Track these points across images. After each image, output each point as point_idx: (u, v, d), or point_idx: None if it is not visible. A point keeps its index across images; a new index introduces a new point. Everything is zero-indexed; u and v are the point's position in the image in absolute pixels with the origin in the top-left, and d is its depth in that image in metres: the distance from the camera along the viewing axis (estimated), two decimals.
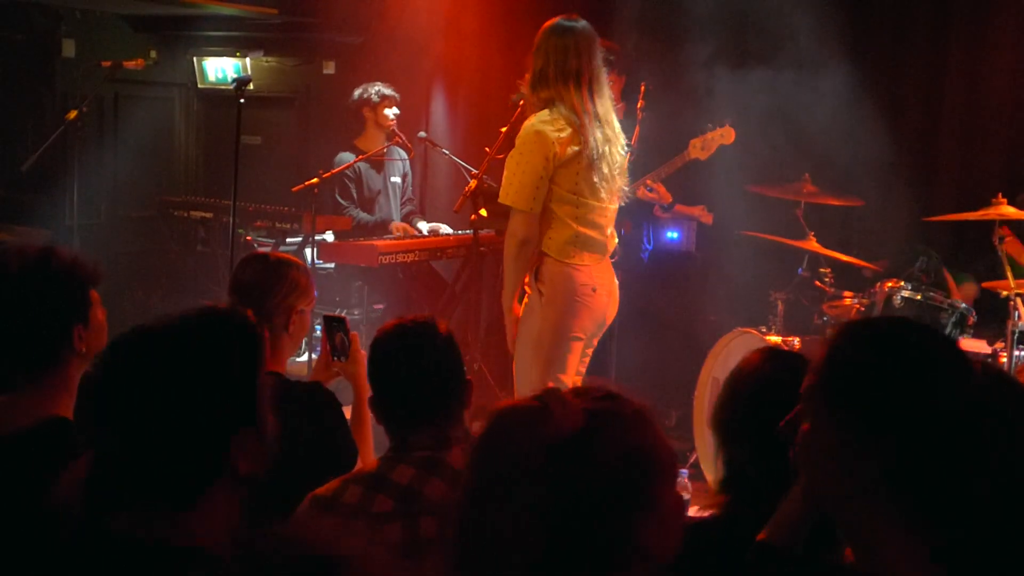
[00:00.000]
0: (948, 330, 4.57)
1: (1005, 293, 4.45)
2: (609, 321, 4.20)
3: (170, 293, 6.61)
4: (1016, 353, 4.38)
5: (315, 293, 3.05)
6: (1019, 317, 4.40)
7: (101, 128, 7.21)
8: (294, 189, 5.81)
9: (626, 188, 4.21)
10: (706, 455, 4.78)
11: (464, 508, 1.48)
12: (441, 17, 6.77)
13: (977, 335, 4.68)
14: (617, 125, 4.11)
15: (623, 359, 4.72)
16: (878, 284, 4.79)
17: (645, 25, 6.09)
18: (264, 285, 2.89)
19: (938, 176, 5.75)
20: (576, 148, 3.93)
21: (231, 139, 4.92)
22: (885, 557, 1.56)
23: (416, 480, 2.29)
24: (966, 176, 5.63)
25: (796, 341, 4.86)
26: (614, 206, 4.14)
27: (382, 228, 6.21)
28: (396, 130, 6.19)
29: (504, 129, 4.49)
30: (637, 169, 5.02)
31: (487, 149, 4.90)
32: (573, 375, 4.09)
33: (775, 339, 4.84)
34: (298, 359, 5.97)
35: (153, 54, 7.32)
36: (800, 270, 5.21)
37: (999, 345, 4.50)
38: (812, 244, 5.08)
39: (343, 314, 3.66)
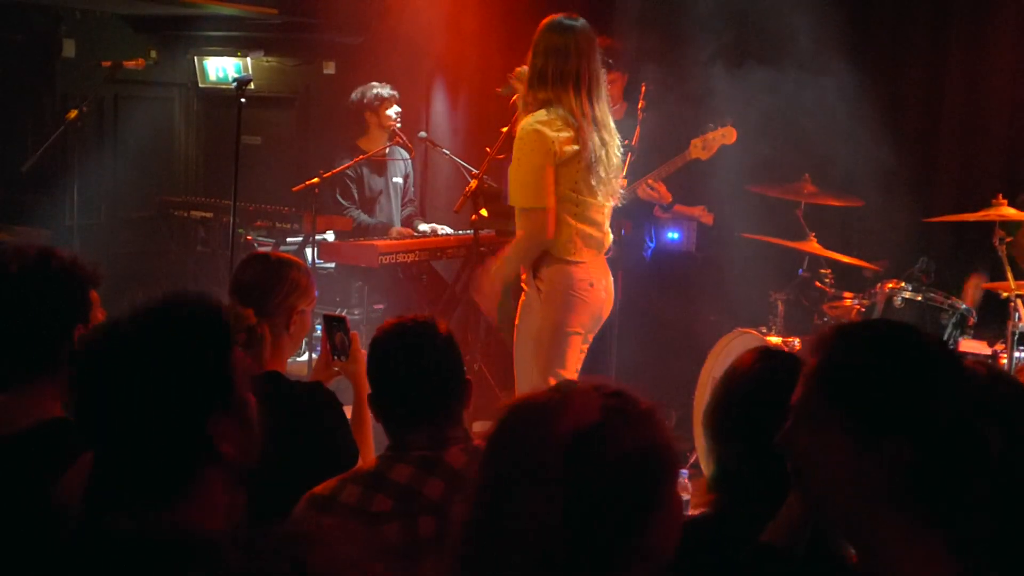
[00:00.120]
0: (948, 331, 4.57)
1: (1005, 294, 4.45)
2: (605, 317, 4.22)
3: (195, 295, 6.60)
4: (1016, 354, 4.38)
5: (315, 293, 3.05)
6: (1019, 318, 4.40)
7: (101, 128, 7.21)
8: (294, 189, 5.81)
9: (622, 190, 4.22)
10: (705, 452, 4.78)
11: (479, 501, 1.48)
12: (441, 17, 6.76)
13: (977, 336, 4.69)
14: (613, 127, 4.12)
15: (623, 359, 4.72)
16: (878, 285, 4.79)
17: (646, 24, 6.10)
18: (265, 285, 2.89)
19: (938, 176, 5.75)
20: (575, 148, 3.94)
21: (231, 139, 4.92)
22: (894, 559, 1.56)
23: (415, 479, 2.29)
24: (966, 176, 5.62)
25: (796, 342, 4.86)
26: (610, 204, 4.16)
27: (382, 231, 6.21)
28: (398, 130, 6.19)
29: (504, 129, 4.49)
30: (638, 169, 5.03)
31: (487, 149, 4.89)
32: (573, 371, 4.11)
33: (775, 339, 4.84)
34: (298, 359, 5.97)
35: (153, 54, 7.32)
36: (800, 271, 5.21)
37: (999, 346, 4.50)
38: (812, 245, 5.08)
39: (343, 314, 3.66)
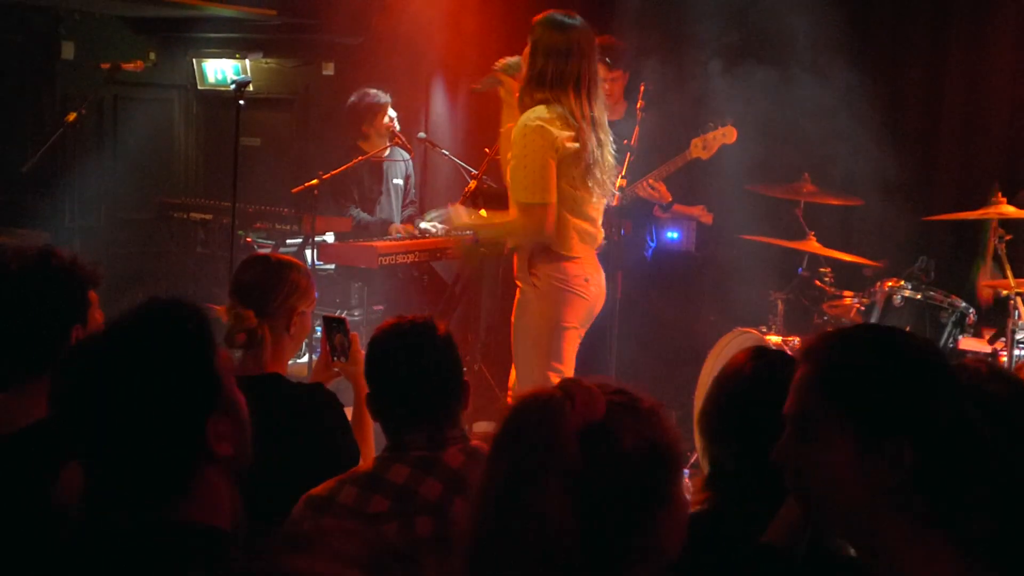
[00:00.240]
0: (948, 329, 4.58)
1: (1005, 292, 4.45)
2: (597, 312, 4.25)
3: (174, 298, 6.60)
4: (1016, 352, 4.38)
5: (316, 294, 3.05)
6: (1019, 316, 4.40)
7: (101, 130, 7.21)
8: (294, 190, 5.80)
9: (622, 189, 4.24)
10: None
11: (487, 499, 1.48)
12: (441, 18, 6.76)
13: (977, 334, 4.69)
14: (607, 126, 4.15)
15: (623, 359, 4.72)
16: (878, 283, 4.79)
17: (645, 23, 6.09)
18: (265, 287, 2.89)
19: (938, 176, 5.75)
20: (575, 146, 3.96)
21: (231, 140, 4.92)
22: (896, 559, 1.55)
23: (412, 480, 2.29)
24: (966, 176, 5.63)
25: (796, 341, 4.86)
26: (604, 201, 4.22)
27: (382, 229, 6.21)
28: (396, 131, 6.19)
29: (503, 130, 4.49)
30: (637, 168, 5.03)
31: (487, 150, 4.90)
32: (571, 365, 4.15)
33: (775, 339, 4.84)
34: (298, 360, 5.96)
35: (152, 56, 7.32)
36: (800, 270, 5.21)
37: (999, 344, 4.50)
38: (812, 244, 5.08)
39: (342, 315, 3.66)
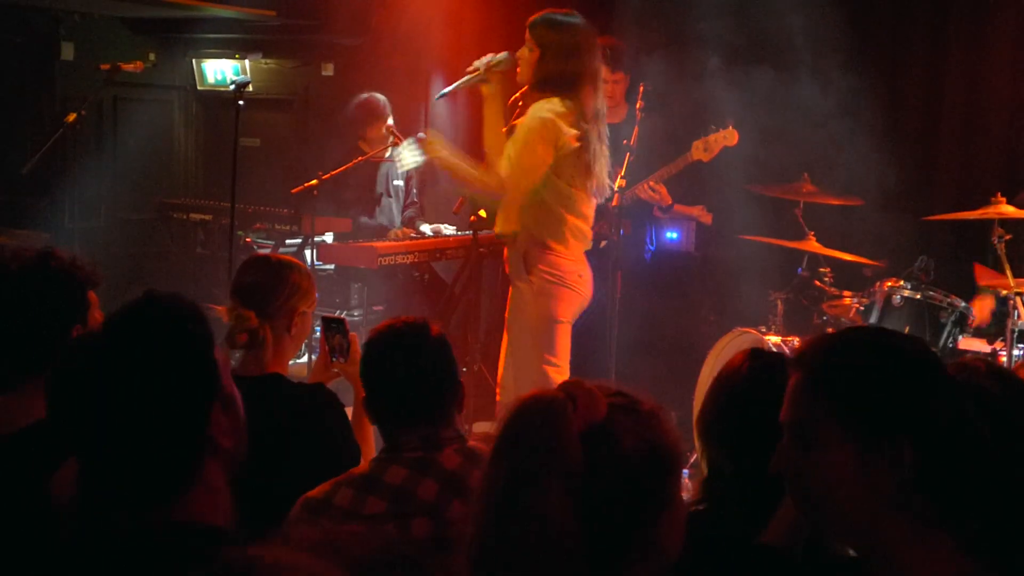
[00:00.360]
0: (948, 329, 4.58)
1: (1004, 292, 4.46)
2: (586, 307, 4.31)
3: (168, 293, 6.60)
4: (1015, 352, 4.39)
5: (316, 295, 3.06)
6: (1018, 316, 4.41)
7: (100, 131, 7.21)
8: (293, 191, 5.80)
9: (621, 189, 4.27)
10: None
11: (490, 500, 1.48)
12: (440, 18, 6.76)
13: (977, 334, 4.69)
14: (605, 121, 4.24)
15: (623, 359, 4.72)
16: (877, 283, 4.79)
17: (645, 24, 6.09)
18: (266, 288, 2.89)
19: (937, 176, 5.75)
20: (578, 144, 4.02)
21: (230, 141, 4.92)
22: (898, 559, 1.55)
23: (408, 481, 2.29)
24: (965, 176, 5.63)
25: (796, 341, 4.86)
26: (597, 199, 4.28)
27: (382, 232, 6.21)
28: (395, 132, 6.18)
29: (503, 130, 4.50)
30: (637, 169, 5.03)
31: (487, 150, 4.89)
32: (566, 359, 4.21)
33: (775, 339, 4.84)
34: (298, 360, 5.97)
35: (152, 56, 7.32)
36: (800, 270, 5.21)
37: (999, 344, 4.50)
38: (811, 244, 5.08)
39: (341, 315, 3.66)
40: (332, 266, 6.06)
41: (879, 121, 5.58)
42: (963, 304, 4.63)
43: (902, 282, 4.69)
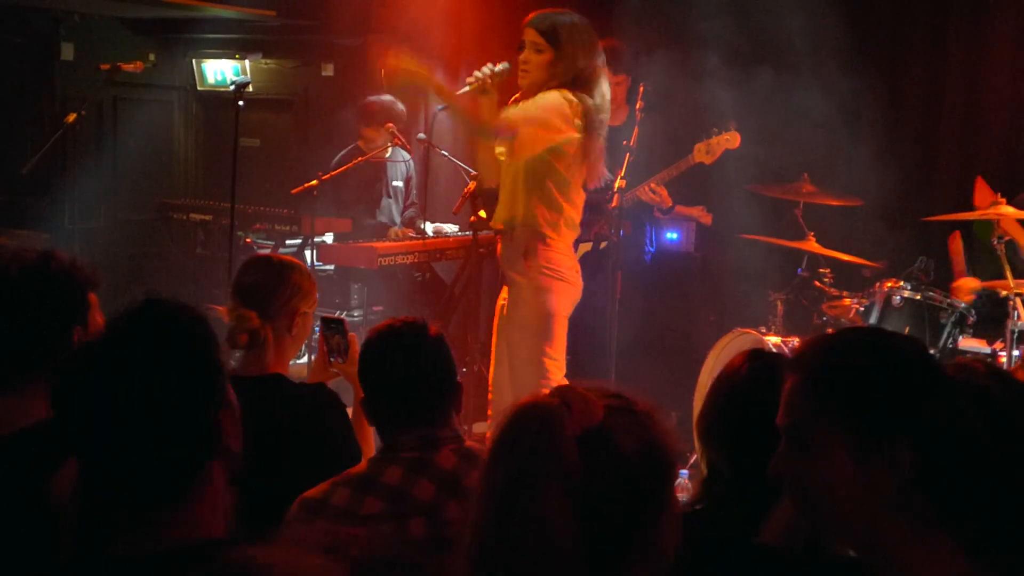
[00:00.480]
0: (948, 330, 4.58)
1: (1004, 293, 4.46)
2: (578, 299, 4.32)
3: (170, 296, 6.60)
4: (1015, 352, 4.39)
5: (317, 295, 3.06)
6: (1018, 317, 4.41)
7: (100, 131, 7.22)
8: (293, 191, 5.80)
9: (621, 189, 4.27)
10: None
11: (489, 503, 1.48)
12: (440, 18, 6.76)
13: (977, 334, 4.69)
14: None
15: (622, 359, 4.72)
16: (877, 284, 4.79)
17: (645, 25, 6.09)
18: (267, 288, 2.89)
19: (937, 176, 5.75)
20: (580, 136, 4.03)
21: (230, 141, 4.92)
22: (899, 559, 1.55)
23: (405, 481, 2.29)
24: (966, 176, 5.63)
25: (795, 341, 4.86)
26: (586, 190, 4.30)
27: (382, 232, 6.21)
28: (396, 132, 6.18)
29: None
30: (637, 170, 5.03)
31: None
32: (563, 354, 4.20)
33: (775, 339, 4.85)
34: (298, 361, 5.97)
35: (152, 57, 7.32)
36: (799, 270, 5.21)
37: (999, 345, 4.50)
38: (811, 244, 5.08)
39: (341, 315, 3.66)
40: (332, 266, 6.06)
41: (879, 121, 5.58)
42: (963, 305, 4.63)
43: (902, 283, 4.69)
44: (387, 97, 6.24)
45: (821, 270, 5.11)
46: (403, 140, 6.25)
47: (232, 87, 4.97)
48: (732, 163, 5.35)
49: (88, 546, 1.52)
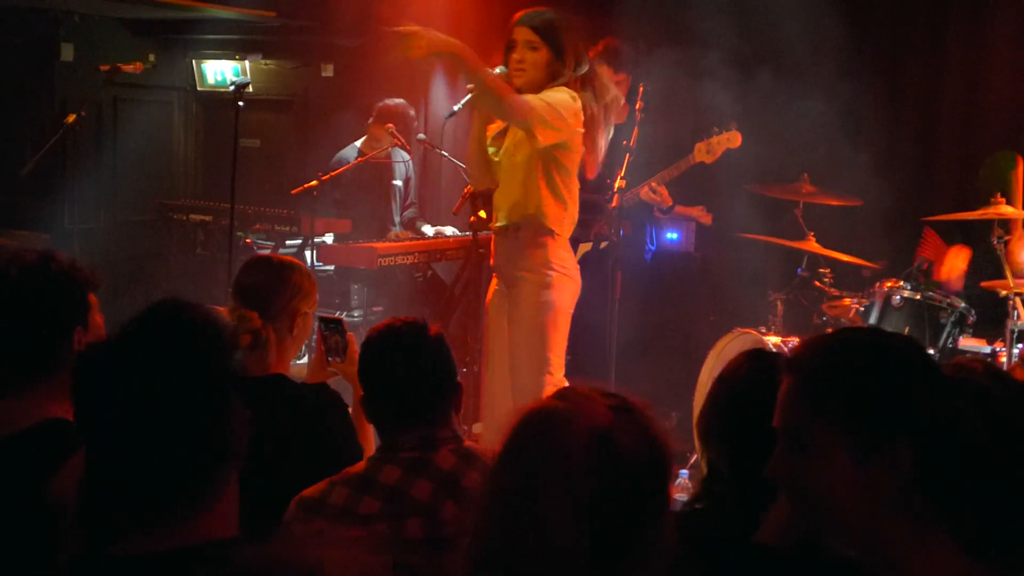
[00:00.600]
0: (947, 329, 4.58)
1: (1004, 292, 4.46)
2: (577, 295, 4.33)
3: (170, 297, 6.60)
4: (1015, 351, 4.39)
5: (317, 296, 3.06)
6: (1018, 316, 4.41)
7: (100, 132, 7.22)
8: (293, 192, 5.81)
9: (621, 189, 4.27)
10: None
11: (496, 507, 1.49)
12: (440, 19, 6.76)
13: (976, 334, 4.69)
14: None
15: (622, 360, 4.72)
16: (877, 284, 4.80)
17: (644, 24, 6.10)
18: (268, 289, 2.90)
19: (937, 175, 5.76)
20: (581, 131, 4.03)
21: (230, 142, 4.92)
22: (899, 559, 1.56)
23: (403, 481, 2.29)
24: (965, 176, 5.63)
25: (795, 341, 4.86)
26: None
27: (381, 232, 6.22)
28: (395, 133, 6.19)
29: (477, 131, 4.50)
30: (637, 170, 5.03)
31: (470, 156, 4.90)
32: (565, 352, 4.21)
33: (774, 339, 4.85)
34: (298, 362, 5.97)
35: (152, 57, 7.32)
36: (799, 270, 5.22)
37: (998, 344, 4.51)
38: (811, 244, 5.08)
39: (340, 315, 3.66)
40: (332, 267, 6.06)
41: (879, 121, 5.58)
42: (963, 304, 4.63)
43: (902, 282, 4.69)
44: (401, 100, 6.26)
45: (821, 270, 5.12)
46: (402, 141, 6.25)
47: (232, 88, 4.98)
48: (732, 163, 5.35)
49: (103, 545, 1.51)
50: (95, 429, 1.53)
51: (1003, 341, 4.44)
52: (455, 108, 4.16)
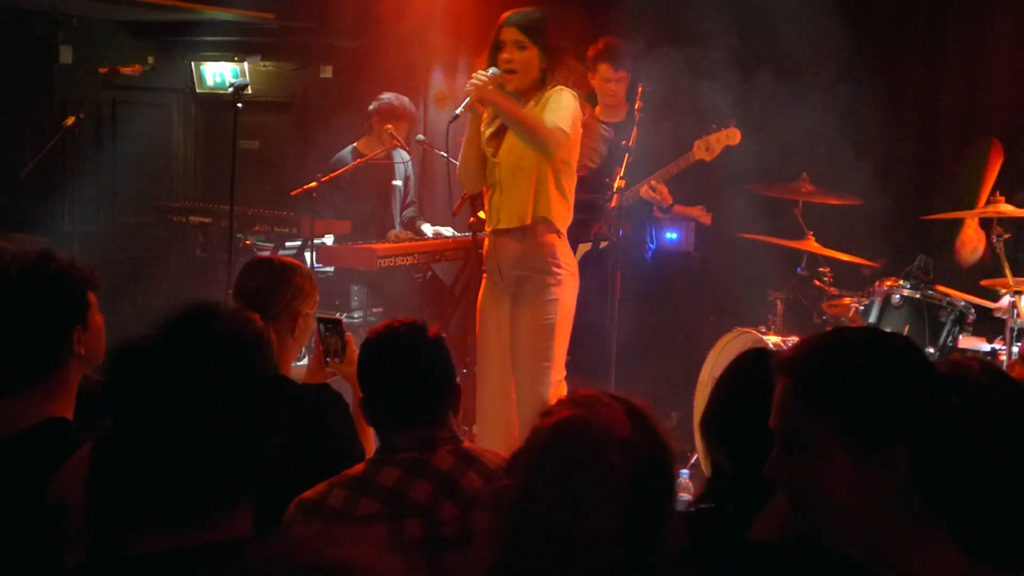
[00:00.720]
0: (947, 328, 4.58)
1: (1004, 291, 4.46)
2: None
3: (170, 299, 6.60)
4: (1015, 349, 4.39)
5: (317, 297, 3.06)
6: (1018, 314, 4.41)
7: (99, 134, 7.21)
8: (292, 193, 5.81)
9: (621, 189, 4.29)
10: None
11: (539, 517, 1.51)
12: (439, 20, 6.77)
13: (976, 332, 4.69)
14: None
15: (622, 360, 4.72)
16: (877, 283, 4.80)
17: (644, 24, 6.10)
18: (269, 290, 2.90)
19: (936, 175, 5.76)
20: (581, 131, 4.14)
21: (229, 144, 4.92)
22: (899, 557, 1.55)
23: (401, 482, 2.30)
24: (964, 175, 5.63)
25: (795, 340, 4.86)
26: None
27: (381, 234, 6.21)
28: (394, 132, 6.19)
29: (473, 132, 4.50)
30: (636, 170, 5.03)
31: (464, 160, 4.89)
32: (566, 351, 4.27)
33: (774, 339, 4.85)
34: (299, 363, 5.97)
35: (151, 59, 7.32)
36: (799, 269, 5.22)
37: (999, 342, 4.50)
38: (811, 243, 5.08)
39: (339, 317, 3.66)
40: (332, 268, 6.06)
41: (879, 121, 5.58)
42: (962, 303, 4.63)
43: (901, 281, 4.69)
44: (404, 97, 6.27)
45: (821, 269, 5.12)
46: (401, 141, 6.25)
47: (231, 89, 4.98)
48: (732, 163, 5.35)
49: (117, 545, 1.50)
50: (132, 428, 1.50)
51: (1003, 339, 4.44)
52: (457, 112, 4.17)
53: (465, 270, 5.75)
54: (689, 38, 5.64)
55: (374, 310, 6.14)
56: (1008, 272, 4.41)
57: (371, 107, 6.25)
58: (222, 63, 7.60)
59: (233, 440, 1.50)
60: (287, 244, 6.05)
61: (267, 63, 7.49)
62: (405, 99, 6.28)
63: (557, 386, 4.16)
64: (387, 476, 2.31)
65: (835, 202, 5.24)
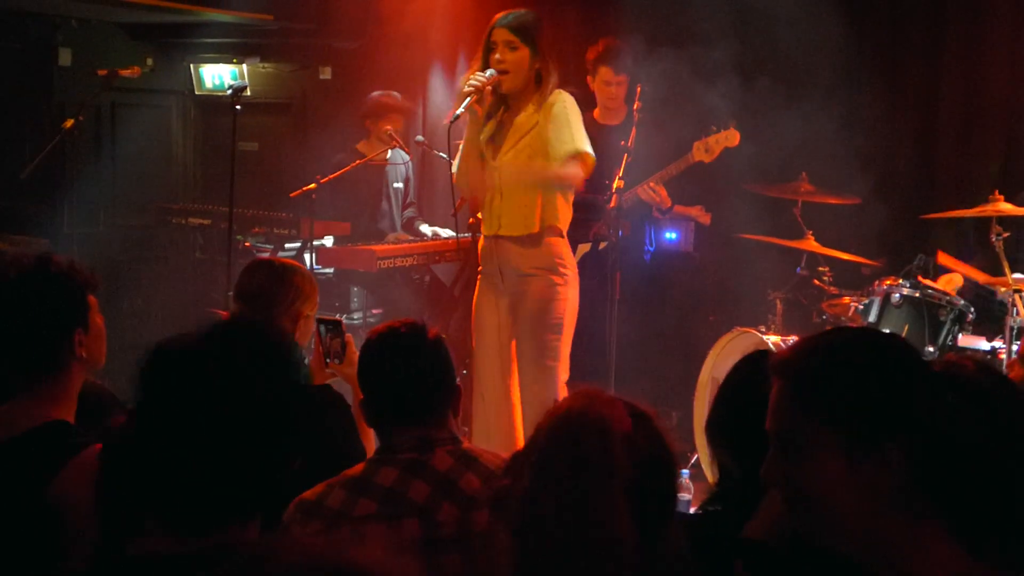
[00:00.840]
0: (947, 327, 4.59)
1: (1003, 290, 4.47)
2: None
3: (169, 300, 6.61)
4: (1014, 348, 4.39)
5: (318, 298, 3.06)
6: (1017, 313, 4.41)
7: (98, 136, 7.21)
8: (292, 195, 5.80)
9: (620, 190, 4.31)
10: (707, 456, 4.78)
11: (550, 514, 1.52)
12: (438, 21, 6.77)
13: (976, 331, 4.69)
14: None
15: (623, 359, 4.72)
16: (876, 282, 4.80)
17: (644, 25, 6.10)
18: (270, 292, 2.91)
19: (936, 174, 5.76)
20: None
21: (228, 145, 4.92)
22: (898, 556, 1.56)
23: (400, 482, 2.30)
24: (964, 174, 5.63)
25: (795, 340, 4.86)
26: None
27: (381, 236, 6.21)
28: (393, 134, 6.18)
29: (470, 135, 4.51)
30: (635, 171, 5.03)
31: (462, 161, 4.89)
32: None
33: (774, 338, 4.85)
34: None
35: (150, 62, 7.31)
36: (799, 269, 5.22)
37: (998, 341, 4.51)
38: (810, 243, 5.08)
39: (339, 318, 3.67)
40: (331, 269, 6.06)
41: (878, 120, 5.58)
42: (962, 302, 4.63)
43: (901, 280, 4.69)
44: (395, 93, 6.26)
45: (820, 269, 5.12)
46: (400, 142, 6.25)
47: (230, 91, 4.97)
48: (731, 163, 5.35)
49: (127, 545, 1.50)
50: (164, 432, 1.49)
51: (1002, 338, 4.44)
52: (457, 112, 4.19)
53: (464, 271, 5.75)
54: (689, 39, 5.64)
55: (374, 311, 6.14)
56: (1007, 271, 4.42)
57: (361, 112, 6.25)
58: (221, 65, 7.60)
59: (263, 458, 1.51)
60: (286, 246, 6.05)
61: (266, 65, 7.49)
62: (394, 92, 6.26)
63: (563, 387, 4.18)
64: (385, 476, 2.31)
65: (834, 202, 5.24)
